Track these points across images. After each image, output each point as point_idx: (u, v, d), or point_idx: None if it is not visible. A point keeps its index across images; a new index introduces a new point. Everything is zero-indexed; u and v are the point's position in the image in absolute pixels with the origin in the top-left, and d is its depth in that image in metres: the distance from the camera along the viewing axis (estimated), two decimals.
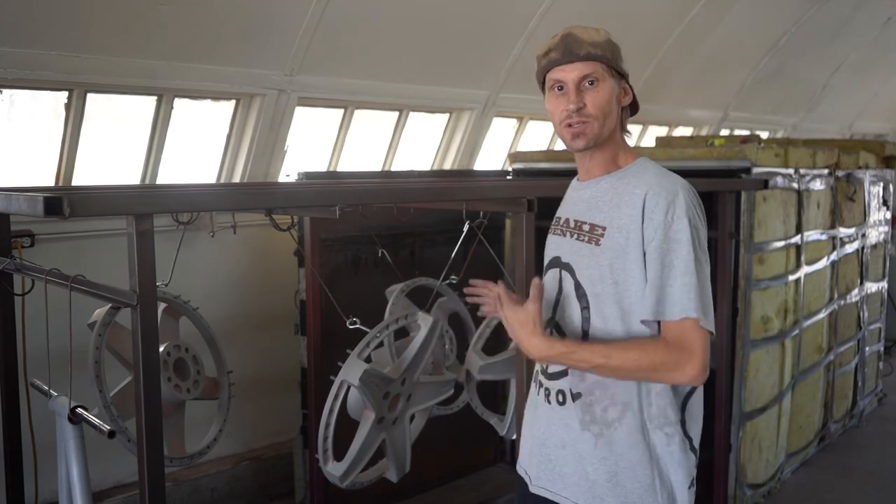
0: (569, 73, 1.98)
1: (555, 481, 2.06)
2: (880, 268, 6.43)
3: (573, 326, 2.04)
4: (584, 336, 2.01)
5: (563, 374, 2.05)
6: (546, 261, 2.18)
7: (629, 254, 1.93)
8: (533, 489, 2.11)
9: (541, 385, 2.12)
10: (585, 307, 2.00)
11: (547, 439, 2.08)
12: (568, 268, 2.06)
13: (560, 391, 2.05)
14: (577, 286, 2.02)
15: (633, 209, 1.94)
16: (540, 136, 6.89)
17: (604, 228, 1.99)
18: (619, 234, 1.95)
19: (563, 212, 2.17)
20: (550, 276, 2.13)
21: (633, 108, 2.12)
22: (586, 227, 2.03)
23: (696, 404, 2.05)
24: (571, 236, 2.07)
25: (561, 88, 2.00)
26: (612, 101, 2.00)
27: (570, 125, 1.99)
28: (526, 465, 2.17)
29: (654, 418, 1.97)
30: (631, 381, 1.96)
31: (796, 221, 4.81)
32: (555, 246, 2.14)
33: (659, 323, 1.91)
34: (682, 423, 2.02)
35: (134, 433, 2.35)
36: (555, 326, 2.09)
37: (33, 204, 2.02)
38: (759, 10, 7.44)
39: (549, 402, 2.08)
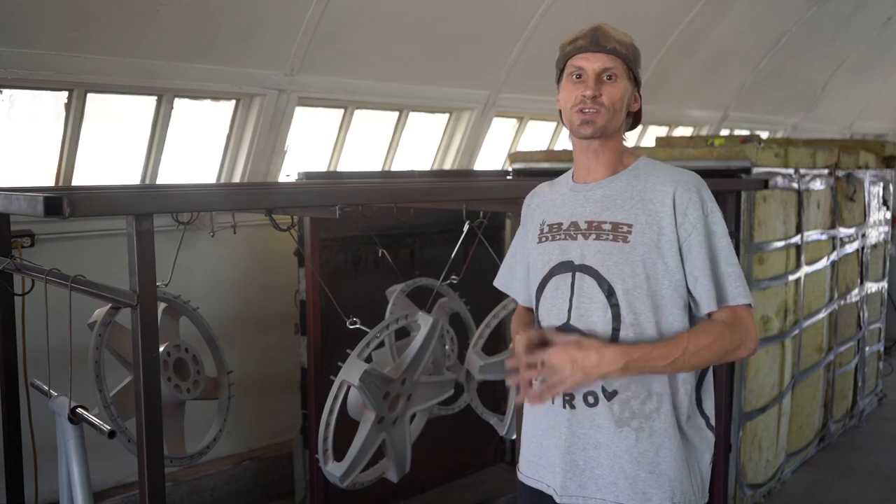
0: (592, 63, 2.01)
1: (585, 485, 2.03)
2: (880, 268, 6.43)
3: (597, 327, 2.01)
4: (615, 335, 2.00)
5: None
6: (547, 268, 2.11)
7: (662, 247, 1.98)
8: (560, 500, 2.06)
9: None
10: (615, 305, 2.00)
11: (572, 445, 2.04)
12: (586, 269, 2.03)
13: (590, 393, 2.02)
14: (604, 285, 2.00)
15: (661, 205, 2.00)
16: (540, 136, 6.89)
17: (629, 225, 2.01)
18: (650, 230, 1.99)
19: (560, 216, 2.13)
20: (559, 281, 2.08)
21: (636, 119, 2.15)
22: (607, 227, 2.03)
23: (709, 382, 2.12)
24: (587, 238, 2.05)
25: (580, 77, 2.02)
26: (623, 100, 2.04)
27: (581, 111, 2.01)
28: (546, 478, 2.11)
29: (680, 403, 2.03)
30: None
31: (796, 221, 4.81)
32: (560, 251, 2.09)
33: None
34: (699, 402, 2.08)
35: (134, 433, 2.35)
36: (570, 331, 2.04)
37: (33, 204, 2.02)
38: (759, 10, 7.45)
39: (571, 407, 2.04)
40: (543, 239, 2.15)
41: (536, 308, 2.17)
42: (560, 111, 2.10)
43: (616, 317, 2.00)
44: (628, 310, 1.99)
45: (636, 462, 1.99)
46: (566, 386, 1.95)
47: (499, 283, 2.38)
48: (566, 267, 2.07)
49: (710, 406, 2.11)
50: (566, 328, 2.05)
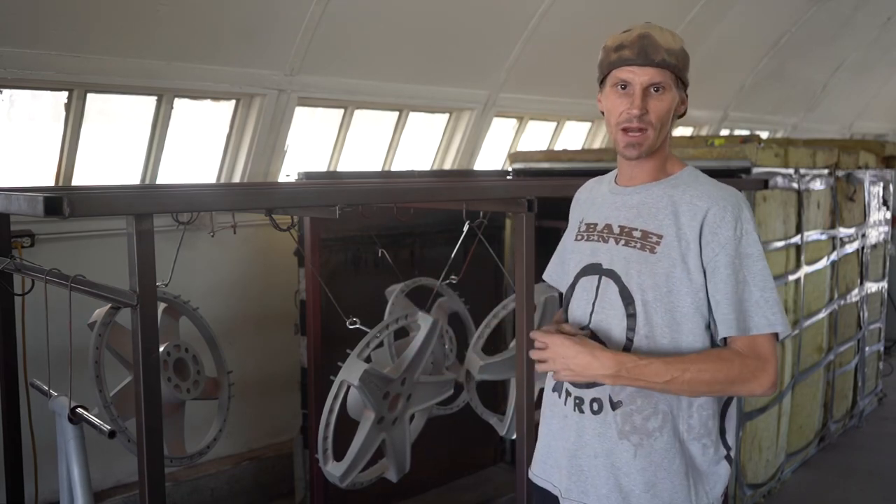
0: (639, 77, 1.93)
1: (587, 492, 2.01)
2: (880, 268, 6.43)
3: (613, 334, 1.98)
4: (628, 344, 1.95)
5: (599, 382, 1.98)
6: (578, 268, 2.08)
7: (688, 264, 1.91)
8: (564, 502, 2.06)
9: (569, 394, 2.04)
10: (632, 315, 1.94)
11: (578, 450, 2.02)
12: (612, 274, 1.99)
13: (596, 399, 1.98)
14: (624, 293, 1.96)
15: (693, 220, 1.92)
16: (540, 136, 6.89)
17: (660, 237, 1.94)
18: (679, 244, 1.92)
19: (597, 216, 2.09)
20: (587, 283, 2.05)
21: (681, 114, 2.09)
22: (637, 234, 1.97)
23: (733, 412, 2.04)
24: (617, 242, 2.00)
25: (624, 87, 1.95)
26: (671, 111, 1.97)
27: (626, 130, 1.94)
28: (553, 478, 2.10)
29: (693, 429, 1.95)
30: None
31: (796, 221, 4.81)
32: (591, 252, 2.05)
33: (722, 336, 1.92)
34: (722, 432, 2.01)
35: (134, 433, 2.35)
36: (588, 335, 2.01)
37: (33, 204, 2.02)
38: (759, 10, 7.44)
39: (580, 412, 2.01)
40: (580, 238, 2.12)
41: (566, 306, 2.14)
42: (603, 112, 2.03)
43: (631, 327, 1.95)
44: (644, 321, 1.93)
45: (631, 478, 1.95)
46: (557, 376, 1.97)
47: (548, 276, 2.31)
48: (594, 269, 2.04)
49: (731, 437, 2.03)
50: (585, 332, 2.02)
